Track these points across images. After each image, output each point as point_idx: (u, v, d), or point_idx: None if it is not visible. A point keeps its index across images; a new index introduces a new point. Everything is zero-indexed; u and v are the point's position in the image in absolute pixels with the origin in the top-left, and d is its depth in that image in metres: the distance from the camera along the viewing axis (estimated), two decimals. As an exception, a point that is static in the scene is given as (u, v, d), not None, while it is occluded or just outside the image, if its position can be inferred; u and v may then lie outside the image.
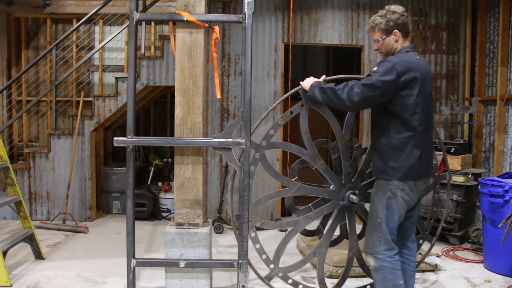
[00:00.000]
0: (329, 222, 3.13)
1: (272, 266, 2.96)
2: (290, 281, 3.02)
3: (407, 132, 2.52)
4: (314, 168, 3.01)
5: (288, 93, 3.01)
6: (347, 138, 3.01)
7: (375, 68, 2.56)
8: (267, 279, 2.97)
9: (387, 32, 2.63)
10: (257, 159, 2.87)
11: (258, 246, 2.91)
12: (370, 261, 2.67)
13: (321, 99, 2.72)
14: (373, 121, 2.73)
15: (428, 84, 2.60)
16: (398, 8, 2.63)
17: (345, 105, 2.63)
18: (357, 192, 3.00)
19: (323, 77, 2.91)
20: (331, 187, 3.02)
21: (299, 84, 2.88)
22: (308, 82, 2.82)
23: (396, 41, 2.63)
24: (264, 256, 2.93)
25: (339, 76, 3.07)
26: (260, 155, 2.88)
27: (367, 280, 3.34)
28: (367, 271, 3.18)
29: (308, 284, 3.10)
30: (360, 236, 3.22)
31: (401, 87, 2.49)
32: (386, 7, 2.67)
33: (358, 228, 3.18)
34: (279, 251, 2.98)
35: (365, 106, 2.68)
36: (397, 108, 2.52)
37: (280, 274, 2.99)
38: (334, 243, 3.28)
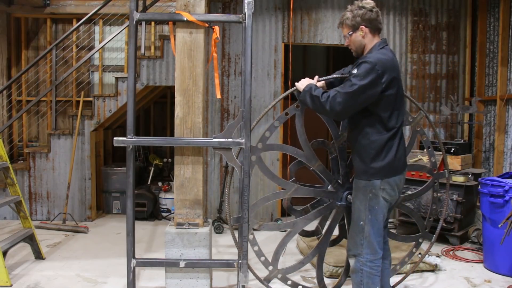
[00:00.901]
0: (328, 223, 3.13)
1: (270, 268, 2.96)
2: (289, 282, 3.02)
3: (386, 132, 2.50)
4: (311, 169, 3.01)
5: (284, 94, 2.94)
6: (344, 139, 3.01)
7: (354, 71, 2.47)
8: (266, 281, 2.96)
9: (354, 28, 2.56)
10: (253, 162, 2.85)
11: (256, 248, 2.90)
12: (351, 262, 2.66)
13: (311, 105, 2.63)
14: (350, 122, 2.67)
15: (401, 80, 2.59)
16: (367, 3, 2.55)
17: (330, 115, 2.61)
18: None
19: (316, 78, 2.80)
20: (328, 187, 3.02)
21: (295, 85, 2.81)
22: (302, 84, 2.71)
23: (363, 37, 2.55)
24: (262, 258, 2.92)
25: (332, 76, 2.91)
26: (256, 158, 2.86)
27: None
28: None
29: (307, 285, 3.10)
30: None
31: (383, 88, 2.43)
32: (356, 2, 2.60)
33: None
34: (278, 253, 2.98)
35: (350, 113, 2.55)
36: (377, 109, 2.48)
37: (279, 276, 2.99)
38: (333, 243, 3.28)
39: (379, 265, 2.59)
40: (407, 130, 5.10)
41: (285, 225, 3.04)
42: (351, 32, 2.57)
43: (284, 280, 3.00)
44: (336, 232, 3.16)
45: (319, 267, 3.08)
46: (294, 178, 3.05)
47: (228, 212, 2.90)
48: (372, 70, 2.40)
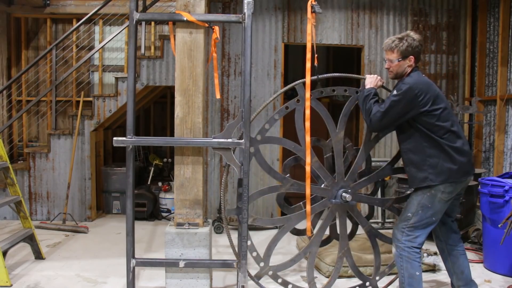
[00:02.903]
0: (320, 221, 3.11)
1: (262, 264, 2.95)
2: (279, 280, 3.00)
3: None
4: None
5: (285, 88, 2.97)
6: (340, 137, 3.00)
7: (394, 92, 2.74)
8: (256, 278, 2.95)
9: (404, 56, 2.77)
10: (251, 154, 2.86)
11: (249, 243, 2.90)
12: (393, 250, 2.82)
13: (361, 105, 2.90)
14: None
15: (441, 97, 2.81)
16: (418, 36, 2.82)
17: (368, 124, 2.85)
18: (349, 191, 2.99)
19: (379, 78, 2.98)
20: (323, 185, 3.01)
21: (365, 78, 2.98)
22: (369, 82, 2.93)
23: (410, 66, 2.79)
24: (254, 254, 2.91)
25: (330, 74, 3.13)
26: (254, 149, 2.87)
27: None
28: (356, 272, 3.18)
29: (298, 284, 3.09)
30: (351, 236, 3.21)
31: (421, 106, 2.64)
32: (407, 32, 2.84)
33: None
34: (270, 249, 2.96)
35: (386, 127, 2.86)
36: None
37: (270, 273, 2.97)
38: (325, 243, 3.27)
39: (418, 252, 2.75)
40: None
41: (278, 220, 3.03)
42: (400, 59, 2.79)
43: (274, 277, 2.98)
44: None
45: (309, 267, 3.06)
46: (288, 175, 3.04)
47: (223, 204, 2.89)
48: (408, 89, 2.65)
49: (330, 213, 3.06)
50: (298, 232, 3.26)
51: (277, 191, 2.99)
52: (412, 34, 2.81)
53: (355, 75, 3.24)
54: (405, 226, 2.76)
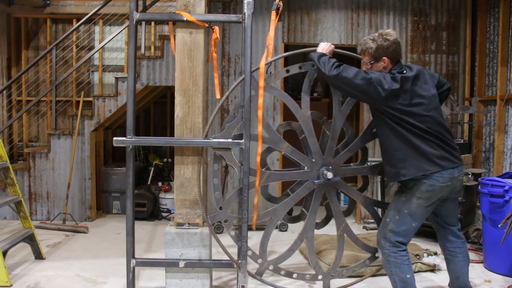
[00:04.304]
0: (310, 203, 3.06)
1: (260, 261, 2.95)
2: (282, 272, 2.99)
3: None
4: (282, 153, 2.98)
5: (237, 83, 2.89)
6: (307, 115, 2.95)
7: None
8: (258, 275, 2.95)
9: (376, 58, 2.68)
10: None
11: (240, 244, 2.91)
12: (380, 256, 2.77)
13: (317, 63, 2.78)
14: None
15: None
16: (391, 36, 2.65)
17: (324, 72, 2.71)
18: (330, 168, 2.95)
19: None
20: (305, 168, 2.98)
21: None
22: (322, 48, 2.85)
23: (385, 67, 2.68)
24: (249, 253, 2.91)
25: (280, 55, 3.17)
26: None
27: (367, 280, 3.34)
28: (362, 245, 3.17)
29: (303, 272, 3.08)
30: (346, 212, 3.19)
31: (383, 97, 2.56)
32: (380, 31, 2.71)
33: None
34: (264, 244, 2.96)
35: (336, 86, 2.77)
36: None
37: (271, 267, 2.96)
38: (322, 225, 3.23)
39: (405, 254, 2.67)
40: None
41: (265, 214, 3.01)
42: (372, 62, 2.70)
43: (276, 270, 2.98)
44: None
45: (310, 252, 3.03)
46: (267, 166, 3.02)
47: (205, 212, 2.88)
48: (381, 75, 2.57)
49: (318, 193, 3.00)
50: (293, 220, 3.24)
51: (253, 187, 2.94)
52: (386, 32, 2.68)
53: (309, 49, 3.02)
54: (386, 232, 2.70)
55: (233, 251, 3.07)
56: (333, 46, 2.91)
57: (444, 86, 2.85)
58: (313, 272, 3.08)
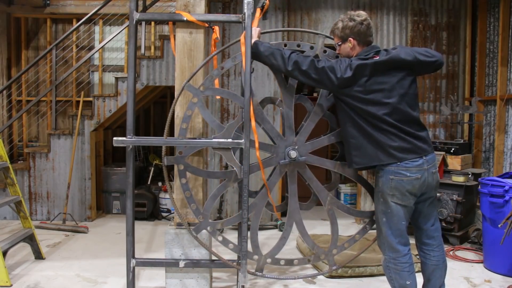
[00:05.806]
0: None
1: (256, 257, 2.94)
2: (282, 262, 2.98)
3: None
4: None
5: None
6: (255, 103, 2.88)
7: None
8: (259, 271, 2.95)
9: (343, 39, 2.66)
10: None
11: (231, 246, 2.91)
12: (382, 260, 2.74)
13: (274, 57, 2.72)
14: None
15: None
16: (359, 16, 2.62)
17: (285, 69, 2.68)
18: (296, 147, 2.90)
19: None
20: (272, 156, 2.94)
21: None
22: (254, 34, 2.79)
23: (351, 49, 2.65)
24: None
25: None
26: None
27: (367, 280, 3.34)
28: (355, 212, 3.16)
29: (304, 257, 3.08)
30: (334, 185, 3.16)
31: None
32: (350, 12, 2.67)
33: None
34: (254, 240, 2.94)
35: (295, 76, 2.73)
36: None
37: (269, 260, 2.96)
38: (308, 206, 3.17)
39: (405, 261, 2.61)
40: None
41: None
42: (340, 43, 2.69)
43: (275, 262, 2.96)
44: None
45: (304, 235, 2.99)
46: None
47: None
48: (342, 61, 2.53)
49: (292, 176, 2.94)
50: (281, 208, 3.20)
51: (225, 188, 2.92)
52: (354, 13, 2.63)
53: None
54: (381, 237, 2.66)
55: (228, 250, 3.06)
56: (259, 28, 2.87)
57: (432, 58, 2.57)
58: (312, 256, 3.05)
